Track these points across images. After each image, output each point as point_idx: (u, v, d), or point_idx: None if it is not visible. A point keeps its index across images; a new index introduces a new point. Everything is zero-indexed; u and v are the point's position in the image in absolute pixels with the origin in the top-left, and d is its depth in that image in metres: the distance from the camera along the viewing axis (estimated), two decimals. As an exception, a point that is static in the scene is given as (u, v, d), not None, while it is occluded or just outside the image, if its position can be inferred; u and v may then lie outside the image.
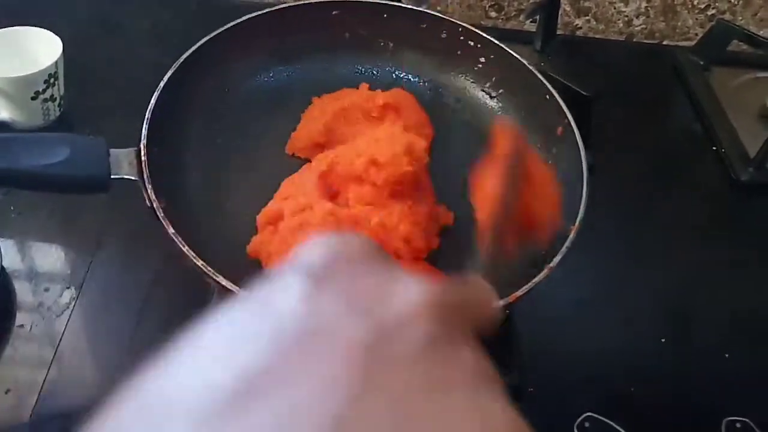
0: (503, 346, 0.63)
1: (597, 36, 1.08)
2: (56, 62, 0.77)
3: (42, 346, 0.61)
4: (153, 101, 0.58)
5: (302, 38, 0.71)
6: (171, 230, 0.51)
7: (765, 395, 0.64)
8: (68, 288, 0.65)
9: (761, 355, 0.68)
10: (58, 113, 0.81)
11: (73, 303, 0.64)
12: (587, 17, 1.07)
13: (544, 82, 0.68)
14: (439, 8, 1.06)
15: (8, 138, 0.52)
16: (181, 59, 0.62)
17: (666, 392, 0.63)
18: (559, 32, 1.04)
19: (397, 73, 0.74)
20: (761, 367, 0.67)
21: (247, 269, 0.58)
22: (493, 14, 1.07)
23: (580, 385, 0.62)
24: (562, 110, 0.66)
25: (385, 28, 0.72)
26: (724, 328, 0.71)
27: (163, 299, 0.65)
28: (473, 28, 0.73)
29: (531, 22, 1.00)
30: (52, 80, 0.77)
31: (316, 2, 0.70)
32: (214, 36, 0.65)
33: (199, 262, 0.50)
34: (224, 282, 0.49)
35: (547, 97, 0.67)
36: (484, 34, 0.72)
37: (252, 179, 0.64)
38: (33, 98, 0.76)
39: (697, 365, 0.66)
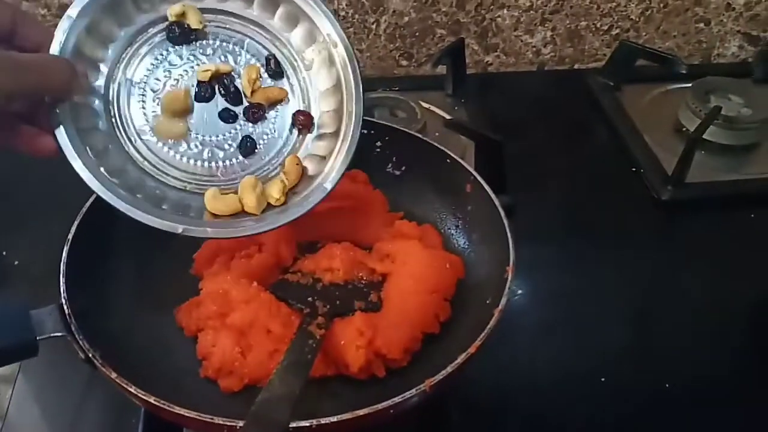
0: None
1: (509, 69, 1.10)
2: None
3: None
4: (65, 254, 0.58)
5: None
6: (113, 375, 0.50)
7: (704, 427, 0.64)
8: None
9: (700, 385, 0.68)
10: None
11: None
12: (496, 53, 1.08)
13: (440, 147, 0.69)
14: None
15: None
16: (84, 210, 0.62)
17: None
18: (471, 70, 1.06)
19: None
20: (700, 398, 0.67)
21: (198, 391, 0.57)
22: (404, 63, 1.07)
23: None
24: (466, 168, 0.67)
25: None
26: (664, 360, 0.70)
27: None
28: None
29: (442, 65, 1.01)
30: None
31: None
32: None
33: (152, 399, 0.49)
34: (186, 413, 0.48)
35: (448, 160, 0.68)
36: (373, 119, 0.74)
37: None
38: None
39: (637, 401, 0.66)
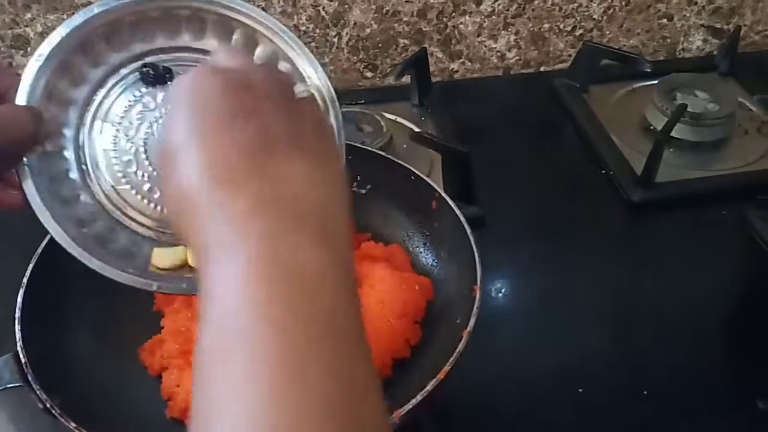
0: None
1: (475, 76, 1.09)
2: None
3: None
4: (20, 300, 0.56)
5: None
6: (72, 425, 0.49)
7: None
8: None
9: (679, 389, 0.67)
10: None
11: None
12: (461, 60, 1.07)
13: (404, 164, 0.68)
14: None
15: None
16: (38, 252, 0.60)
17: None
18: (437, 79, 1.05)
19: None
20: (679, 405, 0.66)
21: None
22: (368, 74, 1.06)
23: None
24: (430, 185, 0.66)
25: None
26: (641, 364, 0.70)
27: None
28: None
29: (407, 75, 1.00)
30: None
31: None
32: None
33: None
34: None
35: (413, 177, 0.67)
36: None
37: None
38: None
39: (616, 411, 0.65)
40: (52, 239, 0.60)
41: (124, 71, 0.51)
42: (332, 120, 0.51)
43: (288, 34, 0.51)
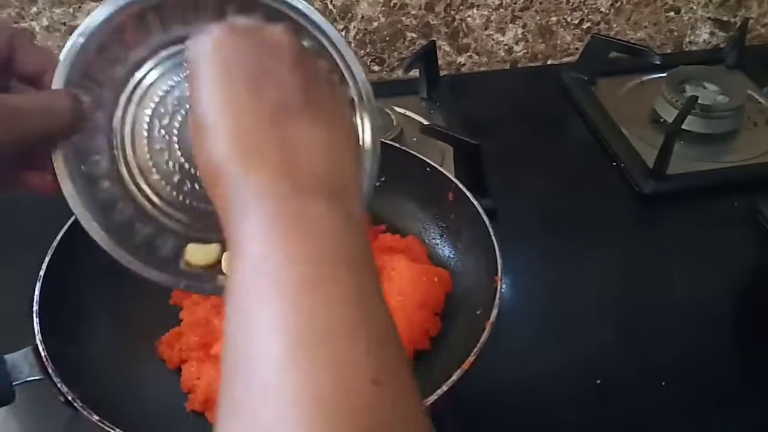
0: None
1: (482, 69, 1.08)
2: None
3: None
4: (37, 293, 0.55)
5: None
6: (95, 418, 0.48)
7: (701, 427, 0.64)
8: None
9: (696, 385, 0.67)
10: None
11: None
12: (468, 53, 1.07)
13: (419, 156, 0.67)
14: (321, 72, 1.04)
15: None
16: (54, 245, 0.59)
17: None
18: (444, 72, 1.05)
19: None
20: (697, 395, 0.66)
21: (185, 425, 0.56)
22: (375, 68, 1.06)
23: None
24: (446, 176, 0.66)
25: None
26: (658, 356, 0.69)
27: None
28: None
29: (415, 68, 0.99)
30: None
31: None
32: None
33: None
34: None
35: (428, 169, 0.67)
36: None
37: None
38: None
39: (636, 401, 0.65)
40: (67, 232, 0.60)
41: (163, 53, 0.48)
42: (367, 122, 0.49)
43: (331, 30, 0.47)
